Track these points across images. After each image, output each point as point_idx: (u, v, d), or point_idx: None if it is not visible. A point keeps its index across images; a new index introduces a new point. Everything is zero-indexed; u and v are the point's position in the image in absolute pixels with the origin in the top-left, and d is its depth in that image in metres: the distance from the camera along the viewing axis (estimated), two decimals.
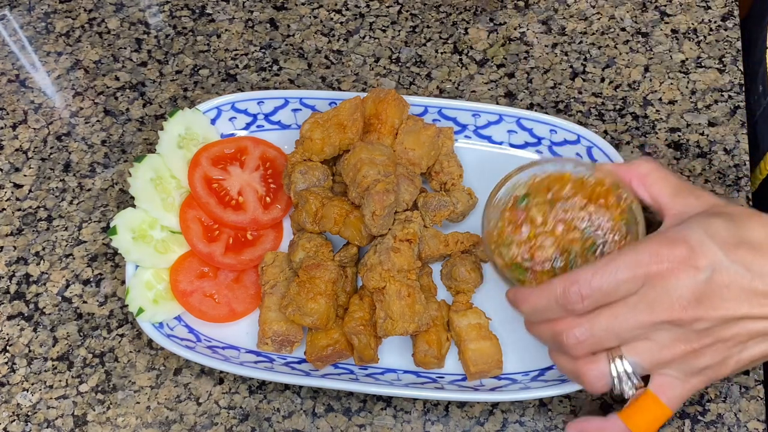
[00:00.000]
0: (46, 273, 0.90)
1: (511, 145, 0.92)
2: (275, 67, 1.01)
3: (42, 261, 0.91)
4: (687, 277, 0.64)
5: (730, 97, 0.96)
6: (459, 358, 0.82)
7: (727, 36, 1.00)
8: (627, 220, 0.76)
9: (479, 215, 0.81)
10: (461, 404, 0.82)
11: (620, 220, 0.76)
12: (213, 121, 0.93)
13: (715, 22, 1.01)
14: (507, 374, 0.82)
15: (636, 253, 0.65)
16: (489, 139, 0.92)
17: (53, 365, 0.86)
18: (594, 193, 0.77)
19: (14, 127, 0.99)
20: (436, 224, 0.85)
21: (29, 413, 0.83)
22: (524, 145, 0.92)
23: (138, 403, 0.83)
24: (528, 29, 1.02)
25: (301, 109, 0.93)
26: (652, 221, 0.76)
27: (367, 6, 1.05)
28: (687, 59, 0.99)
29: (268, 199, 0.89)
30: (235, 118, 0.93)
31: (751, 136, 0.95)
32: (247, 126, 0.94)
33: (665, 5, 1.03)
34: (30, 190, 0.95)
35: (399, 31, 1.03)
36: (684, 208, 0.71)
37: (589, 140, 0.88)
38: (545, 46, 1.01)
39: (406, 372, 0.82)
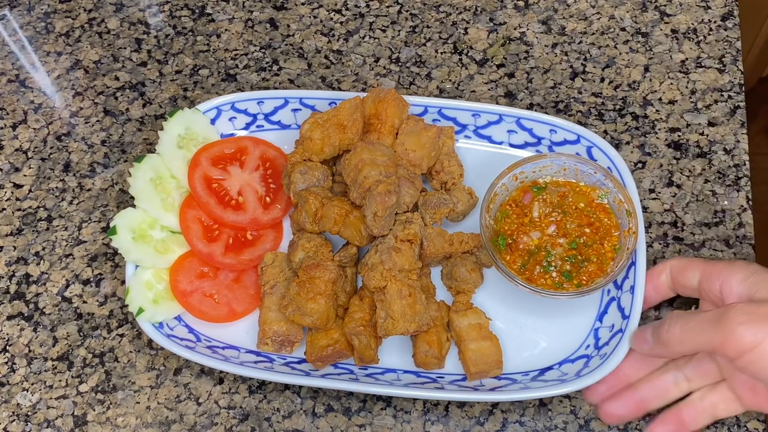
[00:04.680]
0: (46, 273, 0.90)
1: (511, 145, 0.92)
2: (275, 67, 1.01)
3: (42, 261, 0.91)
4: None
5: (730, 97, 0.96)
6: (459, 358, 0.82)
7: (727, 36, 1.00)
8: (616, 255, 0.82)
9: (479, 215, 0.83)
10: (461, 404, 0.82)
11: (610, 254, 0.82)
12: (213, 121, 0.93)
13: (715, 22, 1.01)
14: (507, 374, 0.82)
15: None
16: (489, 139, 0.92)
17: (53, 365, 0.86)
18: (600, 223, 0.84)
19: (14, 127, 0.99)
20: (436, 222, 0.85)
21: (29, 413, 0.83)
22: (524, 145, 0.92)
23: (138, 403, 0.83)
24: (528, 29, 1.02)
25: (300, 109, 0.93)
26: None
27: (367, 6, 1.05)
28: (687, 59, 0.99)
29: (267, 199, 0.89)
30: (235, 118, 0.93)
31: None
32: (247, 126, 0.94)
33: (665, 5, 1.03)
34: (30, 190, 0.95)
35: (399, 31, 1.03)
36: None
37: (589, 140, 0.88)
38: (545, 46, 1.01)
39: (406, 372, 0.82)
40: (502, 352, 0.81)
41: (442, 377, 0.82)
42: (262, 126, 0.94)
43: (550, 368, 0.82)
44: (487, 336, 0.81)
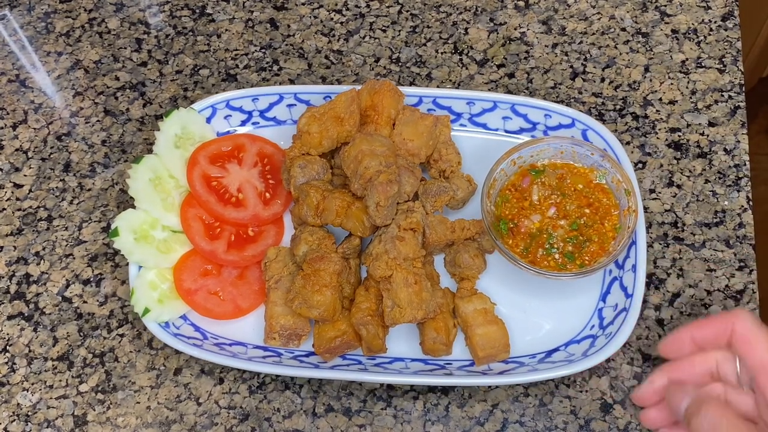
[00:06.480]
0: (46, 273, 0.90)
1: (507, 132, 0.93)
2: (275, 67, 1.01)
3: (42, 261, 0.91)
4: None
5: (730, 97, 0.96)
6: (466, 343, 0.82)
7: (727, 36, 1.00)
8: (617, 234, 0.82)
9: (479, 202, 0.84)
10: (461, 404, 0.82)
11: (611, 234, 0.83)
12: (209, 120, 0.93)
13: (715, 22, 1.01)
14: (514, 357, 0.82)
15: None
16: (484, 126, 0.93)
17: (53, 365, 0.85)
18: (599, 203, 0.84)
19: (14, 127, 0.99)
20: (437, 210, 0.85)
21: (29, 413, 0.83)
22: (519, 131, 0.92)
23: (138, 403, 0.83)
24: (528, 29, 1.02)
25: (295, 105, 0.93)
26: None
27: (367, 6, 1.05)
28: (687, 59, 0.99)
29: (267, 194, 0.89)
30: (230, 115, 0.94)
31: None
32: (243, 123, 0.94)
33: (665, 5, 1.03)
34: (30, 190, 0.95)
35: (399, 31, 1.03)
36: None
37: (584, 123, 0.89)
38: (545, 46, 1.01)
39: (414, 360, 0.83)
40: (509, 335, 0.81)
41: (450, 363, 0.82)
42: (258, 123, 0.94)
43: (556, 350, 0.82)
44: (493, 320, 0.81)
